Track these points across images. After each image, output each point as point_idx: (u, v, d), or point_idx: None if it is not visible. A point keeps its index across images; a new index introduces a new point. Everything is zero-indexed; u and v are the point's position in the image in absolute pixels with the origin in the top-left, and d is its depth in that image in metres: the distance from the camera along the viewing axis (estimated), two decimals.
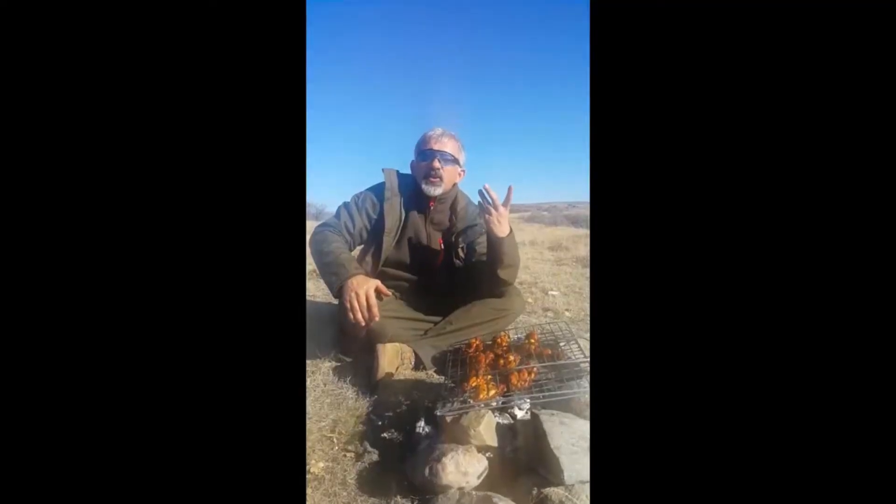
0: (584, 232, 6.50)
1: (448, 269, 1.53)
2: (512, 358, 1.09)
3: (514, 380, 1.01)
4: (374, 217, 1.47)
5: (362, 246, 1.52)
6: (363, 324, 1.22)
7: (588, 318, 2.02)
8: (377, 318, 1.23)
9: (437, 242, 1.52)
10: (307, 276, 2.34)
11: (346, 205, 1.51)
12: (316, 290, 2.28)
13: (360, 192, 1.53)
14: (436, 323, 1.47)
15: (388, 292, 1.31)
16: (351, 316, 1.21)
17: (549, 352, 1.16)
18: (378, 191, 1.50)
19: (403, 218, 1.47)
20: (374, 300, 1.22)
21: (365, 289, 1.22)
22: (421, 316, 1.50)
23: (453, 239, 1.51)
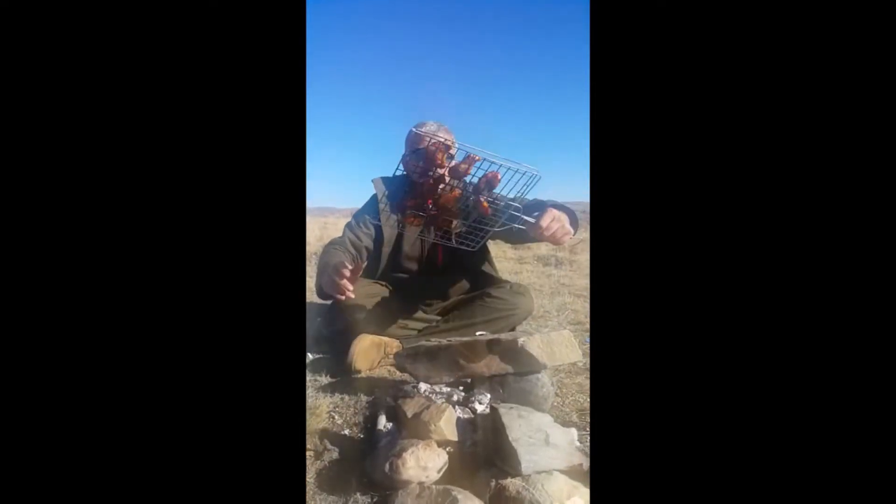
0: None
1: (452, 261, 1.48)
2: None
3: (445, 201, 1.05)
4: (373, 234, 1.47)
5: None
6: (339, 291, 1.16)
7: (546, 315, 2.09)
8: (348, 288, 1.16)
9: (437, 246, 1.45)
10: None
11: (348, 224, 1.50)
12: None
13: (358, 212, 1.54)
14: (437, 322, 1.45)
15: (349, 267, 1.18)
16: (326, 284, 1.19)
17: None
18: (370, 207, 1.49)
19: (401, 226, 1.44)
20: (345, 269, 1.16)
21: (337, 262, 1.19)
22: (422, 315, 1.47)
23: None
